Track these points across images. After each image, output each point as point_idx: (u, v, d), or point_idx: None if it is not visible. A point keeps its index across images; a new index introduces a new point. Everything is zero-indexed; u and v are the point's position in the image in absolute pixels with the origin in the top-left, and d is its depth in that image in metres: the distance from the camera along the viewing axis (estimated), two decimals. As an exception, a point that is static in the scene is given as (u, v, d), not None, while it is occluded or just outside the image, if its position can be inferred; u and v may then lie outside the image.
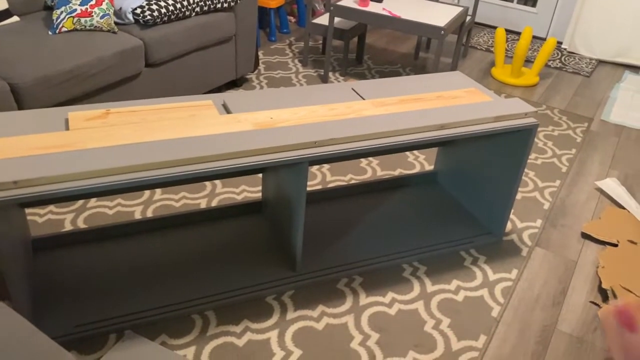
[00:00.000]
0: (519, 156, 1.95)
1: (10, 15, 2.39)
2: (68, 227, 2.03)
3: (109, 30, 2.38)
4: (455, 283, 1.93)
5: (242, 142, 1.54)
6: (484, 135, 2.05)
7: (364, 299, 1.82)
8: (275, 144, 1.55)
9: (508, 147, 1.99)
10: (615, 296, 1.86)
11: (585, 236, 2.22)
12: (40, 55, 2.10)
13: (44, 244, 1.88)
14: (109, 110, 1.67)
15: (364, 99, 1.91)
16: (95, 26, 2.34)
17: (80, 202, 2.16)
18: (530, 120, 1.87)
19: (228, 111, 1.75)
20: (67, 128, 1.57)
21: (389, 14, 3.03)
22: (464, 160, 2.24)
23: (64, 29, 2.30)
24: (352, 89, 1.97)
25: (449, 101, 1.93)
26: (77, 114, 1.62)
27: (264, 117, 1.71)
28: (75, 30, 2.33)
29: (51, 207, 2.12)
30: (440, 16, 3.09)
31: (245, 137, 1.57)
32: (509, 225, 2.24)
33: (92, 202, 2.17)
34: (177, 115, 1.68)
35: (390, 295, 1.85)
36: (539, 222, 2.28)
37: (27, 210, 2.09)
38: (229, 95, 1.83)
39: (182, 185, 2.18)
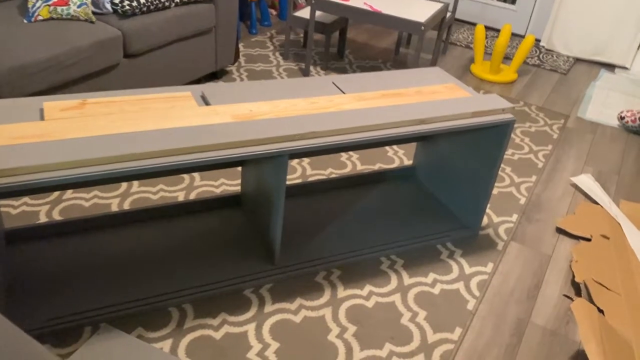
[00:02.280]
0: (496, 151, 1.97)
1: (-16, 3, 2.33)
2: (43, 219, 2.00)
3: (86, 20, 2.34)
4: (432, 276, 1.95)
5: (221, 134, 1.53)
6: (462, 130, 2.07)
7: (341, 292, 1.83)
8: (255, 136, 1.55)
9: (485, 143, 2.01)
10: (587, 290, 1.90)
11: (560, 231, 2.26)
12: (15, 44, 2.06)
13: (18, 235, 1.85)
14: (85, 100, 1.64)
15: (344, 93, 1.91)
16: (72, 15, 2.30)
17: (56, 193, 2.13)
18: (508, 116, 1.90)
19: (207, 103, 1.74)
20: (42, 118, 1.54)
21: (370, 9, 3.04)
22: (442, 156, 2.26)
23: (39, 18, 2.26)
24: (333, 82, 1.98)
25: (428, 96, 1.94)
26: (53, 104, 1.60)
27: (243, 109, 1.70)
28: (51, 19, 2.29)
29: (26, 199, 2.08)
30: (421, 12, 3.10)
31: (224, 129, 1.56)
32: (485, 220, 2.27)
33: (68, 193, 2.14)
34: (155, 106, 1.66)
35: (367, 288, 1.86)
36: (514, 217, 2.31)
37: (0, 202, 2.05)
38: (208, 87, 1.82)
39: (159, 177, 2.16)
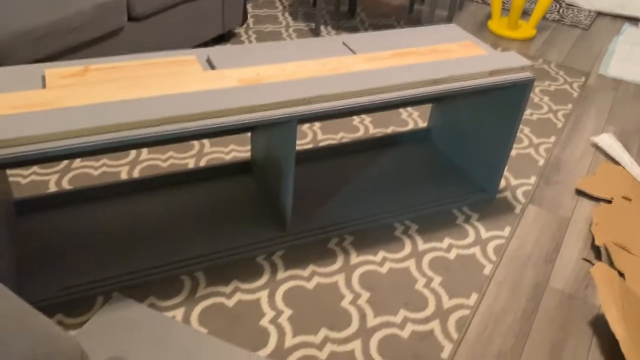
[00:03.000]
0: (515, 112, 1.89)
1: (-17, -33, 2.26)
2: (53, 188, 1.98)
3: (88, -18, 2.27)
4: (447, 241, 1.91)
5: (227, 100, 1.48)
6: (478, 90, 1.99)
7: (354, 258, 1.80)
8: (262, 101, 1.49)
9: (503, 103, 1.93)
10: (608, 253, 1.85)
11: (580, 193, 2.20)
12: (17, 9, 2.00)
13: (27, 206, 1.84)
14: (87, 66, 1.59)
15: (355, 53, 1.84)
16: (73, -22, 2.23)
17: (65, 162, 2.11)
18: (527, 74, 1.81)
19: (212, 67, 1.68)
20: (44, 86, 1.50)
21: (382, -36, 2.91)
22: (458, 117, 2.19)
23: (40, -19, 2.19)
24: (343, 42, 1.90)
25: (443, 55, 1.86)
26: (55, 71, 1.55)
27: (250, 73, 1.64)
28: (52, -18, 2.22)
29: (35, 168, 2.07)
30: (436, -34, 2.97)
31: (230, 94, 1.50)
32: (502, 183, 2.21)
33: (77, 162, 2.11)
34: (158, 71, 1.61)
35: (381, 254, 1.83)
36: (533, 179, 2.24)
37: (10, 172, 2.04)
38: (214, 51, 1.76)
39: (167, 145, 2.13)
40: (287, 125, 1.61)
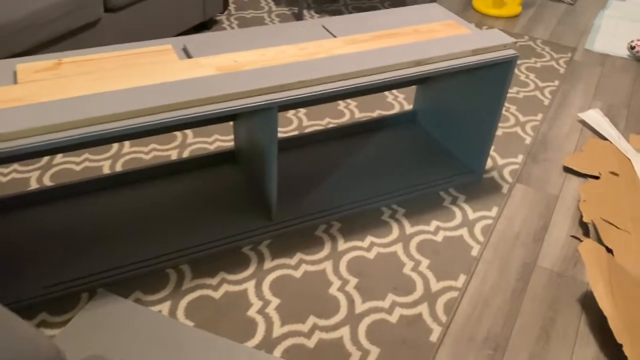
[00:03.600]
0: (499, 90, 1.87)
1: (-47, -39, 2.20)
2: (34, 185, 1.95)
3: (61, -27, 2.21)
4: (434, 224, 1.90)
5: (203, 89, 1.45)
6: (461, 70, 1.96)
7: (342, 245, 1.79)
8: (239, 89, 1.46)
9: (487, 82, 1.91)
10: (596, 229, 1.84)
11: (567, 170, 2.19)
12: (-14, 3, 1.95)
13: (8, 204, 1.81)
14: (60, 60, 1.56)
15: (335, 36, 1.81)
16: (46, -31, 2.17)
17: (46, 158, 2.07)
18: (510, 52, 1.79)
19: (189, 56, 1.64)
20: (16, 82, 1.46)
21: (362, -55, 2.86)
22: (443, 98, 2.16)
23: (11, -26, 2.13)
24: (323, 26, 1.87)
25: (425, 35, 1.83)
26: (27, 66, 1.51)
27: (228, 60, 1.61)
28: (24, -26, 2.16)
29: (15, 166, 2.03)
30: (417, -55, 2.92)
31: (207, 82, 1.47)
32: (489, 163, 2.19)
33: (59, 158, 2.08)
34: (133, 62, 1.57)
35: (369, 239, 1.82)
36: (520, 158, 2.23)
37: (-11, 170, 2.00)
38: (190, 39, 1.72)
39: (147, 137, 2.10)
40: (268, 113, 1.58)
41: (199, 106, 1.43)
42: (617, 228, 1.85)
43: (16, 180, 1.97)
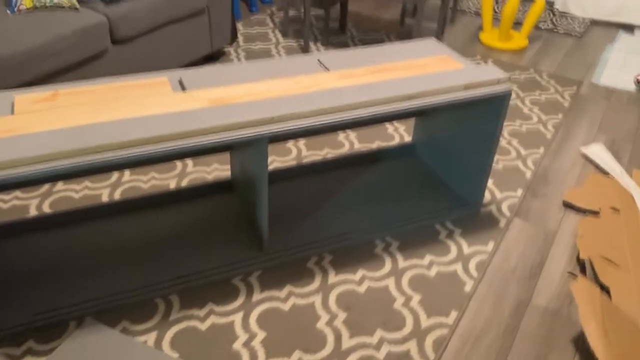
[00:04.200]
0: (494, 124, 1.87)
1: (-32, -5, 2.30)
2: (33, 212, 1.98)
3: (70, 8, 2.29)
4: (428, 258, 1.88)
5: (192, 121, 1.47)
6: (453, 105, 1.97)
7: (333, 277, 1.78)
8: (228, 121, 1.48)
9: (483, 115, 1.91)
10: (592, 267, 1.80)
11: (567, 205, 2.15)
12: (-5, 35, 2.03)
13: (6, 230, 1.84)
14: (57, 91, 1.60)
15: (329, 70, 1.83)
16: (56, 4, 2.26)
17: (47, 186, 2.11)
18: (503, 87, 1.79)
19: (184, 88, 1.68)
20: (13, 112, 1.50)
21: (367, -20, 2.91)
22: (440, 131, 2.16)
23: (23, 8, 2.22)
24: (318, 60, 1.89)
25: (419, 70, 1.85)
26: (24, 97, 1.56)
27: (221, 93, 1.64)
28: (35, 8, 2.25)
29: (17, 193, 2.07)
30: (421, -20, 2.96)
31: (197, 115, 1.50)
32: (487, 196, 2.17)
33: (59, 185, 2.12)
34: (128, 94, 1.61)
35: (360, 272, 1.81)
36: (519, 192, 2.21)
37: (-9, 197, 2.05)
38: (187, 72, 1.76)
39: (149, 165, 2.13)
40: (258, 144, 1.60)
41: (185, 138, 1.45)
42: (616, 265, 1.81)
43: (16, 206, 2.01)
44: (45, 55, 2.09)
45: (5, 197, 2.05)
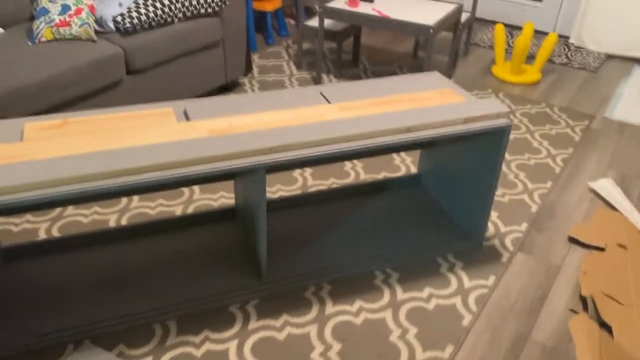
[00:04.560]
0: (495, 158, 1.87)
1: (-6, 27, 2.42)
2: (42, 236, 2.04)
3: (88, 39, 2.39)
4: (427, 290, 1.86)
5: (188, 151, 1.51)
6: (452, 138, 1.98)
7: (330, 308, 1.78)
8: (226, 151, 1.52)
9: (484, 149, 1.92)
10: (594, 304, 1.77)
11: (573, 240, 2.13)
12: (15, 66, 2.12)
13: (15, 253, 1.89)
14: (66, 119, 1.67)
15: (330, 102, 1.87)
16: (74, 35, 2.36)
17: (58, 210, 2.17)
18: (502, 121, 1.80)
19: (187, 118, 1.73)
20: (22, 139, 1.57)
21: (377, 14, 2.97)
22: (444, 162, 2.17)
23: (43, 39, 2.32)
24: (320, 92, 1.93)
25: (419, 103, 1.87)
26: (34, 124, 1.63)
27: (223, 123, 1.68)
28: (54, 40, 2.35)
29: (27, 216, 2.14)
30: (431, 15, 3.01)
31: (195, 145, 1.54)
32: (491, 229, 2.16)
33: (69, 210, 2.18)
34: (133, 123, 1.67)
35: (358, 303, 1.80)
36: (524, 226, 2.19)
37: (1, 220, 2.11)
38: (193, 102, 1.81)
39: (156, 192, 2.18)
40: (256, 173, 1.63)
41: (181, 167, 1.49)
42: (619, 303, 1.77)
43: (27, 230, 2.07)
44: (60, 85, 2.18)
45: (17, 220, 2.11)
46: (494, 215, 2.25)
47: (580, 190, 2.43)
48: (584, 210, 2.31)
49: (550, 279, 1.94)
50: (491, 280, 1.92)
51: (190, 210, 2.21)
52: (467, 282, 1.90)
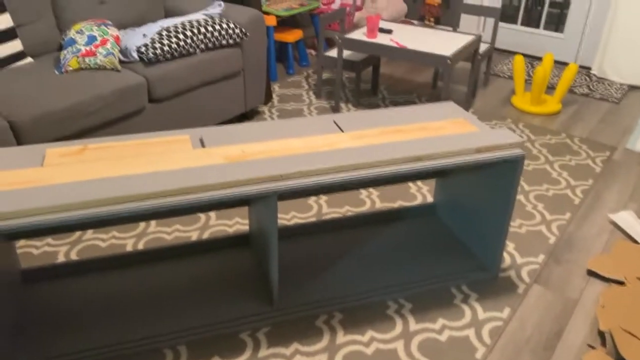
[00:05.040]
0: (509, 188, 1.86)
1: (25, 57, 2.52)
2: (61, 259, 2.08)
3: (112, 69, 2.48)
4: (440, 322, 1.84)
5: (202, 177, 1.54)
6: (463, 167, 1.98)
7: (341, 337, 1.77)
8: (236, 177, 1.55)
9: (497, 179, 1.91)
10: (613, 340, 1.72)
11: (591, 273, 2.08)
12: (41, 93, 2.20)
13: (33, 275, 1.94)
14: (86, 145, 1.72)
15: (343, 131, 1.89)
16: (99, 65, 2.44)
17: (77, 234, 2.22)
18: (515, 151, 1.79)
19: (203, 145, 1.77)
20: (42, 164, 1.62)
21: (395, 45, 3.01)
22: (459, 192, 2.16)
23: (69, 68, 2.41)
24: (334, 121, 1.96)
25: (432, 132, 1.88)
26: (54, 150, 1.68)
27: (236, 150, 1.72)
28: (80, 69, 2.44)
29: (48, 239, 2.19)
30: (449, 45, 3.04)
31: (209, 171, 1.57)
32: (507, 260, 2.13)
33: (88, 234, 2.22)
34: (151, 150, 1.71)
35: (369, 333, 1.79)
36: (541, 258, 2.15)
37: (23, 243, 2.16)
38: (209, 130, 1.85)
39: (172, 217, 2.21)
40: (268, 200, 1.65)
41: (194, 193, 1.52)
42: (639, 339, 1.72)
43: (47, 253, 2.11)
44: (85, 112, 2.25)
45: (38, 243, 2.17)
46: (510, 246, 2.22)
47: (600, 222, 2.39)
48: (604, 242, 2.26)
49: (568, 312, 1.90)
50: (506, 312, 1.88)
51: (205, 235, 2.23)
52: (481, 314, 1.87)
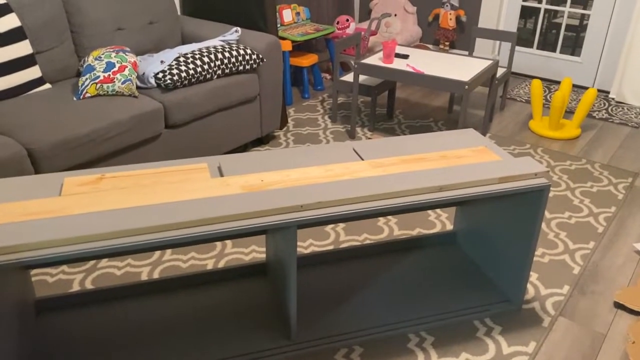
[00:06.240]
0: (533, 218, 1.81)
1: (43, 83, 2.54)
2: (76, 287, 2.06)
3: (130, 95, 2.48)
4: (464, 356, 1.78)
5: (221, 208, 1.51)
6: (486, 197, 1.93)
7: (361, 372, 1.71)
8: (255, 208, 1.52)
9: (521, 208, 1.86)
10: (645, 378, 1.65)
11: (619, 305, 2.01)
12: (59, 120, 2.21)
13: (47, 304, 1.91)
14: (103, 175, 1.70)
15: (363, 159, 1.86)
16: (117, 91, 2.45)
17: (92, 262, 2.20)
18: (540, 180, 1.75)
19: (221, 174, 1.74)
20: (60, 194, 1.61)
21: (412, 70, 3.00)
22: (481, 221, 2.12)
23: (87, 95, 2.42)
24: (353, 149, 1.93)
25: (452, 161, 1.84)
26: (72, 180, 1.67)
27: (255, 179, 1.69)
28: (98, 95, 2.44)
29: (63, 267, 2.17)
30: (466, 71, 3.02)
31: (227, 202, 1.54)
32: (531, 292, 2.07)
33: (103, 262, 2.20)
34: (168, 179, 1.69)
35: (390, 368, 1.73)
36: (565, 289, 2.09)
37: (38, 270, 2.14)
38: (226, 158, 1.83)
39: (187, 246, 2.18)
40: (288, 231, 1.62)
41: (212, 224, 1.49)
42: (673, 378, 1.65)
43: (61, 281, 2.09)
44: (102, 138, 2.25)
45: (53, 271, 2.14)
46: (533, 276, 2.16)
47: (625, 252, 2.32)
48: (630, 272, 2.19)
49: (595, 347, 1.83)
50: (531, 346, 1.82)
51: (221, 264, 2.20)
52: (505, 348, 1.81)
